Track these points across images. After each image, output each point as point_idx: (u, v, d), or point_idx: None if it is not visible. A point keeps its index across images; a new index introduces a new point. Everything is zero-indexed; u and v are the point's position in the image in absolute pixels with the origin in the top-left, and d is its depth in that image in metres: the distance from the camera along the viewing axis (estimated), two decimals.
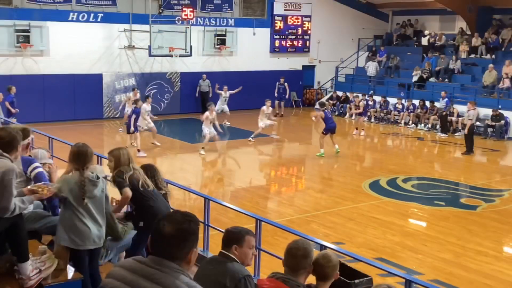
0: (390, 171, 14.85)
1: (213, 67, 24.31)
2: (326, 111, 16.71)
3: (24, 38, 19.80)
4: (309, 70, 27.43)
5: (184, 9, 20.74)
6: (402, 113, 22.62)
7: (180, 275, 2.55)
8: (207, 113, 16.42)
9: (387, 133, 21.20)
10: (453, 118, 20.78)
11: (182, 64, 23.28)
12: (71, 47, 20.62)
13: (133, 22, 21.74)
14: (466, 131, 17.07)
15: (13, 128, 4.97)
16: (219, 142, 17.36)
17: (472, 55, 24.29)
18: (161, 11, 21.79)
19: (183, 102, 23.68)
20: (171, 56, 21.77)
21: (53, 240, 5.21)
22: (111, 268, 2.80)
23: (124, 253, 5.96)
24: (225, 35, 24.31)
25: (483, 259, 9.03)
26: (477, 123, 19.19)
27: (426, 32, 26.69)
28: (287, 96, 24.20)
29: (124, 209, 6.29)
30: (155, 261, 2.59)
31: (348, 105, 24.04)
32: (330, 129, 16.40)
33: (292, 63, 26.62)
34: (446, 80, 23.48)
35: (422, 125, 21.87)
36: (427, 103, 21.97)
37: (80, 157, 4.96)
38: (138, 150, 15.51)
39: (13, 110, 16.34)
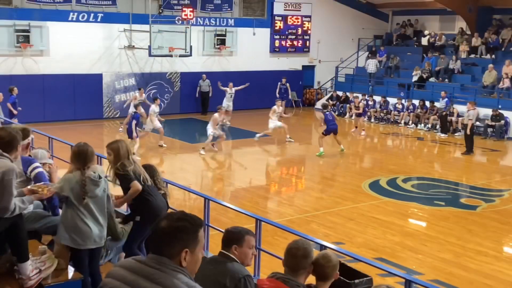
0: (390, 171, 14.85)
1: (213, 67, 24.31)
2: (327, 113, 16.71)
3: (24, 38, 19.80)
4: (309, 70, 27.43)
5: (184, 9, 20.74)
6: (402, 113, 22.63)
7: (180, 275, 2.55)
8: (216, 115, 16.50)
9: (387, 133, 21.21)
10: (453, 118, 20.78)
11: (182, 64, 23.28)
12: (71, 47, 20.62)
13: (133, 22, 21.74)
14: (468, 131, 17.03)
15: (13, 128, 4.97)
16: (219, 142, 17.33)
17: (472, 55, 24.29)
18: (161, 11, 21.79)
19: (183, 102, 23.68)
20: (171, 56, 21.77)
21: (53, 240, 5.20)
22: (111, 268, 2.79)
23: (124, 253, 5.96)
24: (225, 35, 24.32)
25: (483, 259, 9.03)
26: (477, 123, 19.18)
27: (426, 32, 26.69)
28: (289, 97, 24.24)
29: (124, 207, 6.28)
30: (155, 260, 2.59)
31: (348, 105, 24.05)
32: (330, 131, 16.43)
33: (292, 63, 26.62)
34: (446, 80, 23.48)
35: (422, 125, 21.87)
36: (427, 103, 21.97)
37: (80, 157, 4.97)
38: (133, 153, 15.45)
39: (15, 112, 16.28)
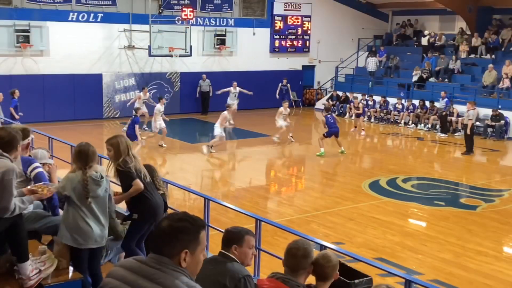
0: (390, 171, 14.85)
1: (213, 67, 24.32)
2: (328, 116, 16.73)
3: (24, 38, 19.80)
4: (309, 70, 27.44)
5: (184, 9, 20.73)
6: (402, 113, 22.63)
7: (181, 275, 2.55)
8: (225, 113, 16.52)
9: (387, 133, 21.22)
10: (453, 118, 20.78)
11: (182, 64, 23.28)
12: (71, 47, 20.62)
13: (133, 22, 21.74)
14: (468, 131, 17.04)
15: (13, 128, 4.97)
16: (217, 143, 17.33)
17: (472, 55, 24.29)
18: (161, 11, 21.79)
19: (183, 102, 23.68)
20: (171, 56, 21.78)
21: (53, 240, 5.20)
22: (111, 268, 2.80)
23: (124, 253, 5.96)
24: (225, 35, 24.32)
25: (483, 259, 9.03)
26: (477, 123, 19.19)
27: (426, 32, 26.69)
28: (290, 97, 24.27)
29: (123, 205, 6.26)
30: (156, 260, 2.59)
31: (348, 105, 24.05)
32: (331, 133, 16.48)
33: (292, 63, 26.62)
34: (446, 80, 23.48)
35: (422, 125, 21.87)
36: (427, 103, 21.97)
37: (82, 156, 4.98)
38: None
39: (16, 116, 16.19)
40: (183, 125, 21.96)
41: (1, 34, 19.60)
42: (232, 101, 20.92)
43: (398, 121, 22.63)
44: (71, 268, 4.87)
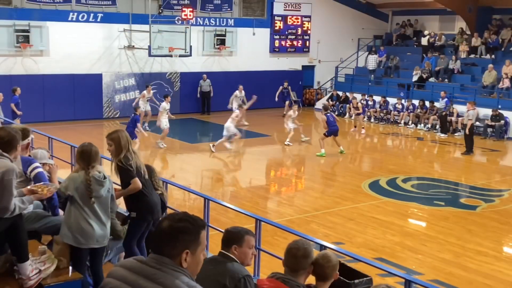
0: (390, 171, 14.85)
1: (213, 67, 24.32)
2: (328, 114, 16.76)
3: (24, 38, 19.80)
4: (308, 70, 27.44)
5: (183, 9, 20.73)
6: (401, 113, 22.63)
7: (181, 275, 2.55)
8: (237, 111, 16.70)
9: (386, 133, 21.22)
10: (453, 118, 20.78)
11: (182, 64, 23.29)
12: (71, 47, 20.62)
13: (132, 22, 21.75)
14: (467, 131, 17.06)
15: (13, 128, 4.97)
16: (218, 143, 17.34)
17: (472, 55, 24.30)
18: (160, 11, 21.79)
19: (183, 102, 23.68)
20: (171, 56, 21.78)
21: (53, 239, 5.19)
22: (112, 268, 2.80)
23: (124, 253, 5.96)
24: (224, 35, 24.32)
25: (483, 259, 9.03)
26: (477, 123, 19.19)
27: (426, 32, 26.70)
28: (291, 99, 24.23)
29: (123, 205, 6.25)
30: (156, 260, 2.59)
31: (348, 105, 24.05)
32: (332, 132, 16.48)
33: (292, 63, 26.62)
34: (446, 80, 23.49)
35: (422, 125, 21.87)
36: (427, 103, 21.98)
37: (84, 156, 5.00)
38: None
39: (18, 112, 16.26)
40: (183, 125, 21.94)
41: (1, 34, 19.60)
42: (236, 105, 20.84)
43: (398, 121, 22.63)
44: (71, 268, 4.87)
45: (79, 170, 5.04)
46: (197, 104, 23.79)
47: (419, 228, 10.80)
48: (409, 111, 22.43)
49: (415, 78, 23.89)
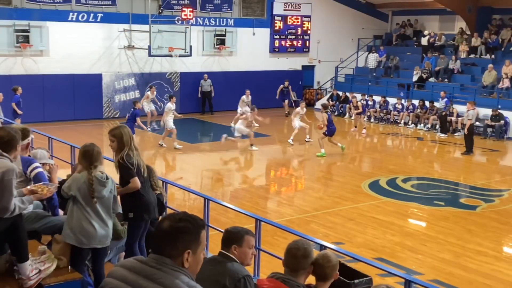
0: (390, 171, 14.85)
1: (212, 67, 24.32)
2: (328, 113, 16.78)
3: (23, 38, 19.80)
4: (308, 70, 27.44)
5: (183, 9, 20.72)
6: (401, 113, 22.63)
7: (181, 274, 2.55)
8: (249, 114, 16.93)
9: (386, 133, 21.22)
10: (453, 118, 20.78)
11: (182, 64, 23.29)
12: (71, 47, 20.62)
13: (132, 22, 21.74)
14: (465, 131, 17.09)
15: (12, 127, 4.96)
16: (218, 143, 17.33)
17: (472, 55, 24.30)
18: (160, 11, 21.78)
19: (183, 102, 23.65)
20: (170, 56, 21.78)
21: (54, 237, 5.19)
22: (112, 268, 2.80)
23: (124, 253, 5.96)
24: (224, 35, 24.32)
25: (483, 259, 9.03)
26: (477, 123, 19.20)
27: (426, 32, 26.70)
28: (291, 98, 24.24)
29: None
30: (156, 260, 2.59)
31: (348, 105, 24.06)
32: (333, 132, 16.50)
33: (291, 63, 26.63)
34: (446, 80, 23.49)
35: (422, 125, 21.88)
36: (427, 103, 21.98)
37: (86, 156, 5.02)
38: None
39: (19, 112, 16.24)
40: (183, 125, 21.89)
41: (1, 34, 19.60)
42: (243, 109, 20.80)
43: (398, 121, 22.63)
44: (70, 268, 4.87)
45: (81, 171, 5.05)
46: (197, 104, 23.78)
47: (419, 228, 10.80)
48: (409, 111, 22.43)
49: (415, 78, 23.89)
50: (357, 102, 22.29)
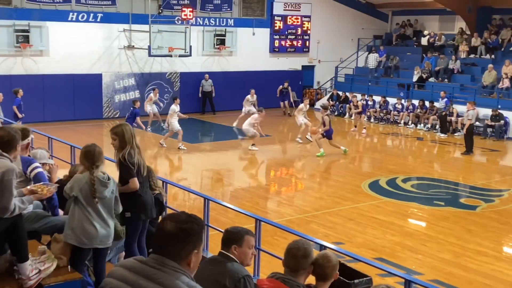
0: (390, 171, 14.85)
1: (212, 67, 24.32)
2: (328, 114, 16.83)
3: (23, 38, 19.79)
4: (308, 70, 27.44)
5: (183, 9, 20.72)
6: (401, 113, 22.63)
7: (181, 275, 2.55)
8: (256, 115, 17.02)
9: (386, 133, 21.22)
10: (453, 118, 20.78)
11: (182, 64, 23.28)
12: (71, 47, 20.62)
13: (132, 22, 21.74)
14: (464, 130, 17.11)
15: (12, 127, 4.96)
16: (218, 143, 17.36)
17: (472, 55, 24.30)
18: (160, 11, 21.78)
19: (183, 102, 23.40)
20: (170, 56, 21.78)
21: (54, 236, 5.18)
22: (112, 268, 2.80)
23: (123, 253, 5.96)
24: (224, 35, 24.32)
25: (483, 259, 9.03)
26: (477, 123, 19.20)
27: (426, 32, 26.71)
28: (290, 99, 24.18)
29: None
30: (156, 260, 2.59)
31: (348, 105, 24.06)
32: (331, 134, 16.52)
33: (291, 63, 26.63)
34: (446, 80, 23.49)
35: (422, 125, 21.88)
36: (427, 103, 21.98)
37: (88, 156, 5.03)
38: None
39: (20, 115, 16.20)
40: (183, 125, 21.75)
41: (1, 34, 19.59)
42: (249, 107, 20.83)
43: (398, 121, 22.63)
44: (70, 268, 4.87)
45: (83, 171, 5.07)
46: (197, 104, 23.77)
47: (419, 228, 10.80)
48: (409, 111, 22.43)
49: (415, 78, 23.89)
50: (357, 101, 22.29)
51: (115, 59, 22.04)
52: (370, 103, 23.39)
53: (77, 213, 4.96)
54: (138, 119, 15.80)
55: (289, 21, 26.12)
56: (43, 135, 11.39)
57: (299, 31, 26.50)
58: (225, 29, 24.35)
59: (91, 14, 21.20)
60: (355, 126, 21.22)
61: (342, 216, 11.00)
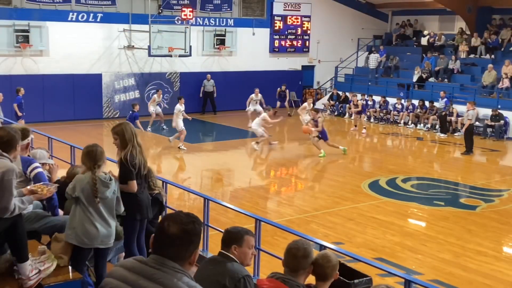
0: (390, 171, 14.85)
1: (212, 67, 24.32)
2: (319, 117, 16.88)
3: (23, 38, 19.79)
4: (308, 70, 27.44)
5: (183, 9, 20.72)
6: (401, 113, 22.63)
7: (181, 275, 2.56)
8: (265, 114, 17.17)
9: (386, 133, 21.22)
10: (453, 118, 20.78)
11: (182, 64, 23.29)
12: (71, 47, 20.62)
13: (132, 22, 21.75)
14: (463, 130, 17.13)
15: (12, 127, 4.96)
16: (218, 143, 17.37)
17: (472, 55, 24.30)
18: (160, 11, 21.79)
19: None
20: (170, 56, 21.78)
21: (55, 236, 5.18)
22: (112, 268, 2.80)
23: (123, 253, 5.96)
24: (224, 35, 24.32)
25: (483, 259, 9.03)
26: (477, 123, 19.20)
27: (426, 32, 26.71)
28: (285, 104, 23.91)
29: None
30: (156, 260, 2.59)
31: (347, 105, 24.06)
32: (326, 135, 16.56)
33: (291, 63, 26.63)
34: (446, 80, 23.49)
35: (422, 125, 21.88)
36: (427, 103, 21.98)
37: (90, 156, 5.04)
38: None
39: (20, 113, 16.21)
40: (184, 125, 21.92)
41: (1, 34, 19.60)
42: (254, 107, 20.84)
43: (398, 121, 22.63)
44: (70, 268, 4.87)
45: (85, 172, 5.07)
46: (197, 104, 23.76)
47: (419, 228, 10.80)
48: (408, 111, 22.43)
49: (415, 78, 23.90)
50: (357, 100, 22.30)
51: (115, 59, 22.05)
52: (370, 103, 23.39)
53: (78, 213, 4.96)
54: (137, 122, 15.81)
55: (289, 21, 26.12)
56: (43, 135, 11.38)
57: (299, 31, 26.50)
58: (225, 29, 24.35)
59: (91, 14, 21.20)
60: (355, 126, 21.23)
61: (342, 216, 11.00)
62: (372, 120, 23.15)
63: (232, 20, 24.51)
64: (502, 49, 23.85)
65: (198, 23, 23.19)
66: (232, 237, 3.88)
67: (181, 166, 15.84)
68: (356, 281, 4.35)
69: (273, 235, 8.91)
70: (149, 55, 21.40)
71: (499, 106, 20.36)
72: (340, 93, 25.17)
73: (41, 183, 4.98)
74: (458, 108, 20.80)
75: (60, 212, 5.79)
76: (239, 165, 16.31)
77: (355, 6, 28.12)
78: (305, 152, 17.80)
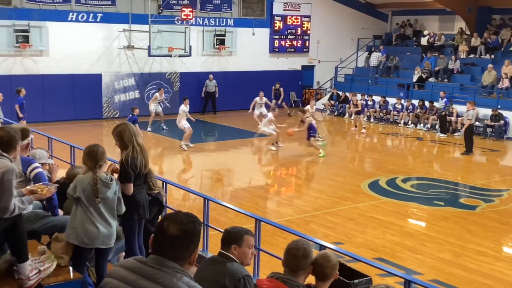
0: (390, 171, 14.85)
1: (212, 67, 24.32)
2: (306, 118, 17.01)
3: (23, 38, 19.79)
4: (308, 70, 27.44)
5: (183, 9, 20.72)
6: (401, 113, 22.63)
7: (181, 275, 2.56)
8: (270, 114, 17.31)
9: (386, 133, 21.22)
10: (452, 118, 20.79)
11: (182, 64, 23.29)
12: (71, 47, 20.62)
13: (132, 22, 21.75)
14: (463, 130, 17.14)
15: (12, 127, 4.96)
16: (217, 143, 17.36)
17: (472, 55, 24.31)
18: (160, 11, 21.79)
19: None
20: (170, 56, 21.78)
21: (56, 235, 5.18)
22: (112, 268, 2.80)
23: (123, 253, 5.96)
24: (224, 35, 24.32)
25: (483, 259, 9.03)
26: (477, 123, 19.20)
27: (426, 32, 26.71)
28: (279, 102, 23.75)
29: None
30: (156, 261, 2.59)
31: (347, 105, 24.06)
32: (310, 134, 16.67)
33: (291, 63, 26.63)
34: (446, 80, 23.50)
35: (422, 125, 21.88)
36: (427, 103, 21.98)
37: (91, 156, 5.04)
38: None
39: (21, 114, 16.19)
40: None
41: (1, 34, 19.60)
42: (260, 110, 20.77)
43: (398, 121, 22.63)
44: (71, 268, 4.87)
45: (86, 172, 5.07)
46: (197, 104, 23.74)
47: (419, 228, 10.80)
48: (408, 111, 22.43)
49: (415, 78, 23.90)
50: (357, 100, 22.30)
51: (115, 59, 22.05)
52: (370, 103, 23.39)
53: (79, 213, 4.96)
54: (137, 126, 15.77)
55: (289, 21, 26.12)
56: (43, 135, 11.39)
57: (299, 31, 26.51)
58: (225, 29, 24.35)
59: (91, 14, 21.20)
60: (355, 126, 21.23)
61: (342, 216, 11.00)
62: (372, 120, 23.15)
63: (232, 20, 24.52)
64: (502, 49, 23.85)
65: (198, 23, 23.19)
66: (232, 237, 3.88)
67: (181, 166, 15.84)
68: (356, 281, 4.36)
69: (273, 235, 8.91)
70: (149, 55, 21.40)
71: (499, 106, 20.37)
72: (340, 93, 25.17)
73: (41, 183, 4.98)
74: (458, 108, 20.80)
75: (60, 212, 5.79)
76: (239, 165, 16.31)
77: (355, 6, 28.12)
78: (305, 152, 17.80)
